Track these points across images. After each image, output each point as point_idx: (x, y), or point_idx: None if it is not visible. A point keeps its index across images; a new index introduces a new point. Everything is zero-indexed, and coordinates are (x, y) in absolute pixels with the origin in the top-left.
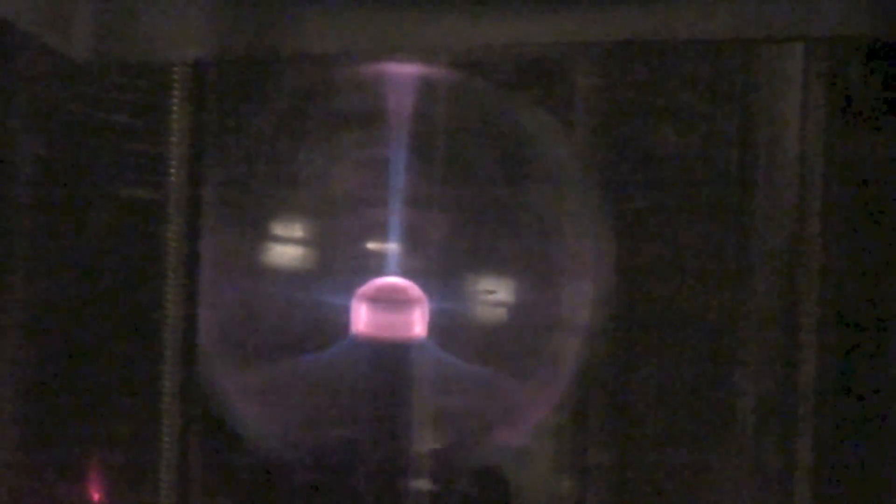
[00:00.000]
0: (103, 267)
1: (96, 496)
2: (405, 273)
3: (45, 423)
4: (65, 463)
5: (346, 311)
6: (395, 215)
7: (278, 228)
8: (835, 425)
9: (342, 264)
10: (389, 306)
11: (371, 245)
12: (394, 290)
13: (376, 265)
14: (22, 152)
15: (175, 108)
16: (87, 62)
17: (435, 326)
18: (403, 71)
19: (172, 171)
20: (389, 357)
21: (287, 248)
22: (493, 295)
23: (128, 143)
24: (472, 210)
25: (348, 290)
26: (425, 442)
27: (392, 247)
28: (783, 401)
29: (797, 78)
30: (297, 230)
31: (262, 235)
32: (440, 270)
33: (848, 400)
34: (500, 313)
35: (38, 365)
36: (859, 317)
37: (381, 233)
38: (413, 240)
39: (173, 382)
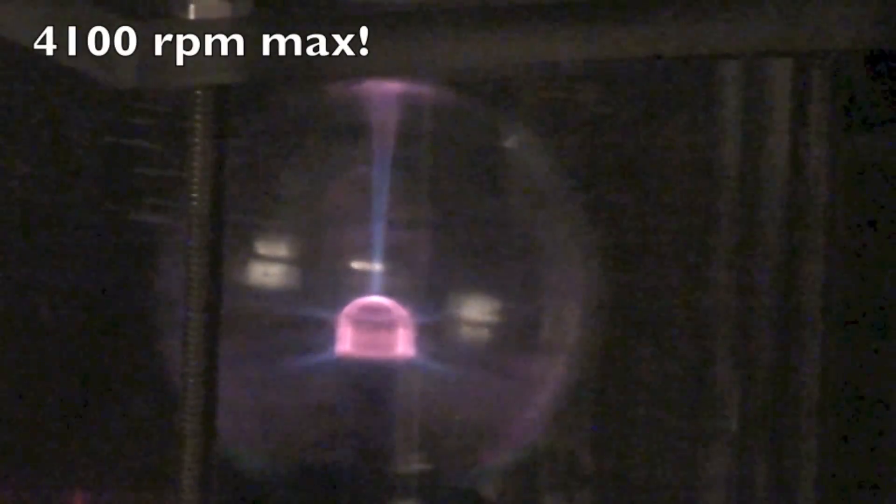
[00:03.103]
0: (113, 292)
1: None
2: (390, 292)
3: (47, 449)
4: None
5: (330, 330)
6: (380, 234)
7: (261, 247)
8: (839, 431)
9: (326, 283)
10: (374, 326)
11: (355, 264)
12: (378, 309)
13: (360, 284)
14: (30, 174)
15: (198, 131)
16: (130, 90)
17: (420, 346)
18: (388, 89)
19: (195, 195)
20: (374, 377)
21: (270, 267)
22: (479, 314)
23: (140, 167)
24: (458, 229)
25: (332, 309)
26: (410, 463)
27: (377, 266)
28: (780, 407)
29: (794, 88)
30: (280, 249)
31: (245, 253)
32: (426, 290)
33: (851, 400)
34: (487, 332)
35: (46, 390)
36: (862, 315)
37: (366, 252)
38: (398, 259)
39: (195, 406)
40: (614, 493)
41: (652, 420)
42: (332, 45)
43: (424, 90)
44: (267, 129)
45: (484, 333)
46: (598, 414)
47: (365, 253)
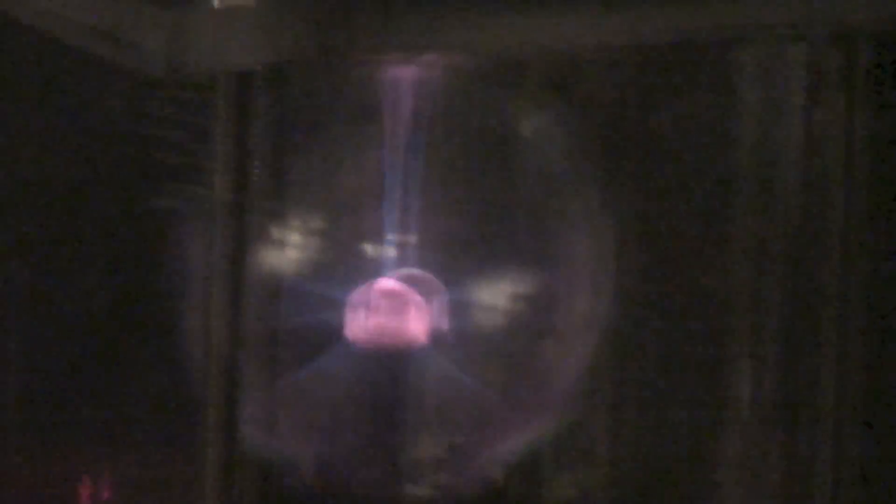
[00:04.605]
0: (135, 275)
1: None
2: (405, 277)
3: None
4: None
5: (344, 315)
6: (394, 219)
7: (277, 231)
8: (858, 417)
9: (341, 267)
10: (389, 310)
11: (370, 248)
12: (393, 294)
13: (375, 269)
14: (57, 163)
15: (221, 116)
16: (160, 77)
17: (435, 330)
18: (404, 73)
19: (219, 179)
20: (388, 361)
21: (285, 252)
22: (495, 297)
23: (161, 154)
24: (474, 213)
25: (347, 293)
26: (424, 447)
27: (391, 251)
28: (796, 388)
29: (812, 67)
30: (295, 233)
31: (262, 238)
32: (441, 274)
33: (872, 377)
34: (503, 316)
35: (71, 375)
36: (881, 294)
37: (381, 236)
38: (413, 244)
39: (219, 387)
40: (629, 474)
41: (666, 401)
42: (353, 28)
43: (441, 74)
44: (283, 114)
45: (500, 317)
46: (614, 396)
47: (379, 237)
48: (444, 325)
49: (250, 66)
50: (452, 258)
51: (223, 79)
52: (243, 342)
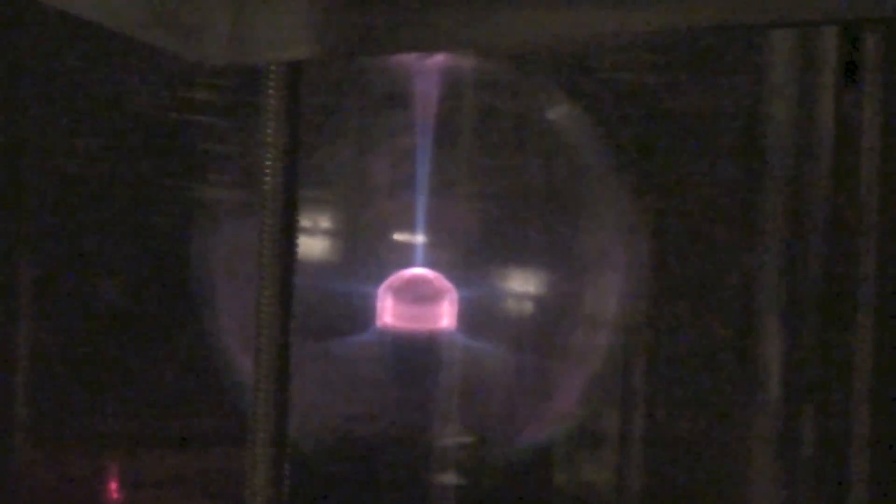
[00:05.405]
0: (182, 269)
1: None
2: (433, 264)
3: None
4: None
5: (372, 302)
6: (423, 206)
7: (305, 219)
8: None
9: (369, 255)
10: (416, 298)
11: (398, 236)
12: (421, 281)
13: (403, 256)
14: (97, 150)
15: (271, 107)
16: (219, 67)
17: (463, 318)
18: (431, 60)
19: (268, 171)
20: (416, 349)
21: (313, 239)
22: (522, 286)
23: (202, 142)
24: (501, 201)
25: (375, 281)
26: (451, 435)
27: (419, 238)
28: (829, 373)
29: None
30: (323, 221)
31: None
32: (469, 262)
33: None
34: (530, 305)
35: (108, 365)
36: None
37: (409, 224)
38: (441, 231)
39: (268, 383)
40: (661, 455)
41: (698, 388)
42: (402, 18)
43: (468, 61)
44: (309, 101)
45: (527, 306)
46: (644, 383)
47: (408, 225)
48: (471, 314)
49: (299, 56)
50: (477, 248)
51: (273, 68)
52: (291, 335)
